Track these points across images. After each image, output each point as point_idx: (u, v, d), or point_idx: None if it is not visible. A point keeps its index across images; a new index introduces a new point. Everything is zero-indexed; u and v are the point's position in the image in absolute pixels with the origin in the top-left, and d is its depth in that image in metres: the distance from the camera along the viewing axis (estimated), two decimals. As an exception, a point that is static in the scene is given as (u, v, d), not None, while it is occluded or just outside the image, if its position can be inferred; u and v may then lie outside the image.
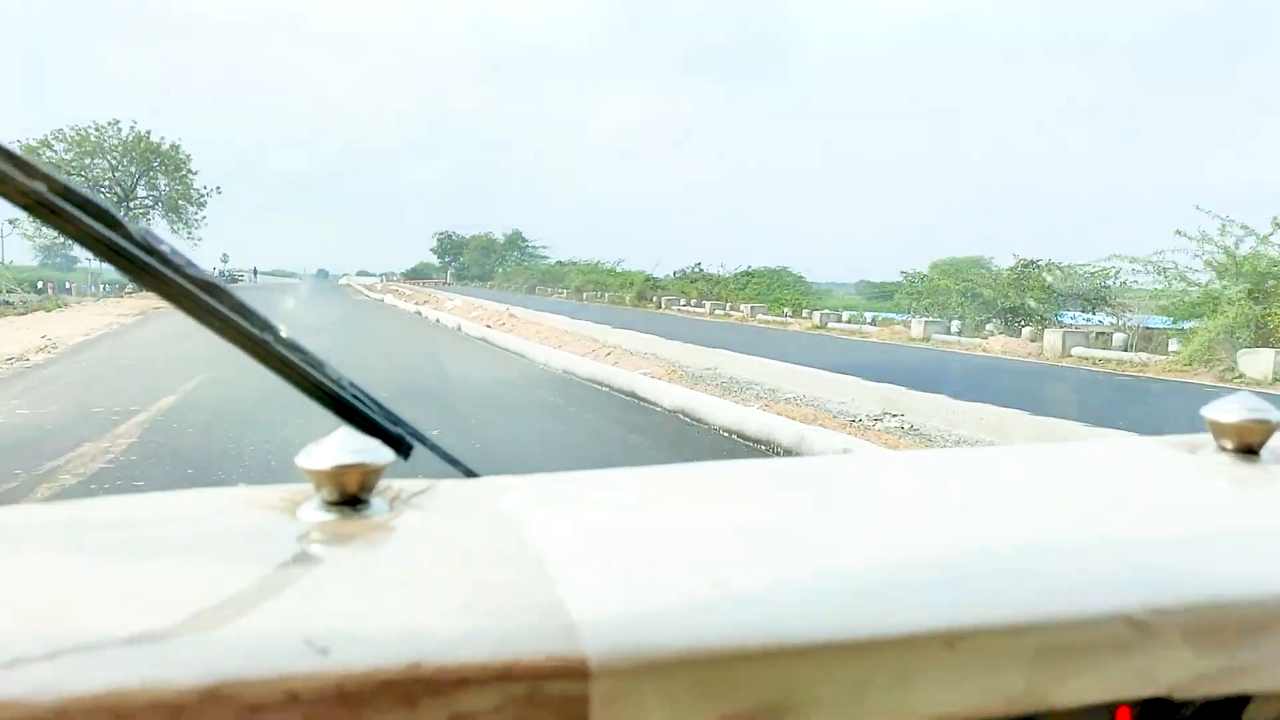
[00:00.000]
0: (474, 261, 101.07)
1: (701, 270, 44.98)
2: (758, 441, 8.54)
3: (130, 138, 56.57)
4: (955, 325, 21.88)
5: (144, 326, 22.36)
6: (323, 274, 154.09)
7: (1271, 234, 17.00)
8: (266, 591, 0.48)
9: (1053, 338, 18.79)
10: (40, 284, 47.28)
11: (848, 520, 0.64)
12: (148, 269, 0.56)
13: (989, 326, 22.07)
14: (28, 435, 8.19)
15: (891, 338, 21.62)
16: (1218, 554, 0.58)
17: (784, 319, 28.87)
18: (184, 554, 0.53)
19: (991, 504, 0.68)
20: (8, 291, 34.95)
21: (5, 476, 6.59)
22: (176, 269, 0.57)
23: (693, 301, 37.91)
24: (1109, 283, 22.36)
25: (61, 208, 0.52)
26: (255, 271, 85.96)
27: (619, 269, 58.43)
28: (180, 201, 59.11)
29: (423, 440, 0.69)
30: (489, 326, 22.29)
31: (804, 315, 30.37)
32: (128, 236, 0.55)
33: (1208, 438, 0.79)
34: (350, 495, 0.58)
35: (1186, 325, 17.81)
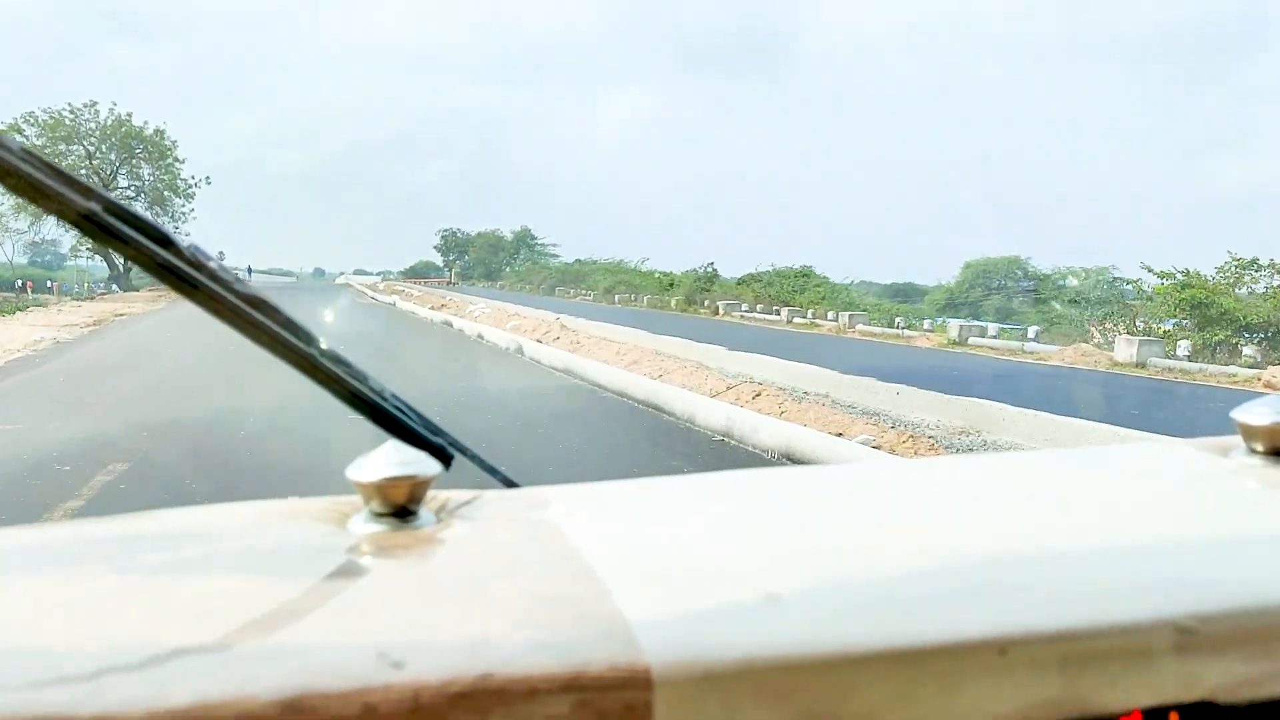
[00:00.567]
0: (480, 260, 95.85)
1: (751, 272, 39.77)
2: None
3: (110, 122, 51.26)
4: (1184, 346, 16.44)
5: (83, 345, 16.83)
6: (319, 272, 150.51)
7: None
8: (331, 604, 0.49)
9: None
10: (20, 282, 42.62)
11: (890, 526, 0.64)
12: (197, 285, 0.58)
13: (1246, 350, 16.63)
14: None
15: (1082, 361, 16.21)
16: (1258, 558, 0.58)
17: (898, 331, 23.50)
18: (244, 567, 0.54)
19: (1029, 509, 0.69)
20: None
21: None
22: (225, 285, 0.59)
23: (759, 306, 32.55)
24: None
25: (116, 227, 0.55)
26: (249, 270, 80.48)
27: (643, 268, 53.37)
28: (166, 193, 53.80)
29: (463, 450, 0.71)
30: (542, 342, 17.08)
31: (895, 325, 25.16)
32: (178, 254, 0.57)
33: (1238, 440, 0.79)
34: (399, 507, 0.59)
35: None
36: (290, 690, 0.40)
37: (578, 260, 63.27)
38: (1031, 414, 8.51)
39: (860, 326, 24.55)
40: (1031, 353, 18.44)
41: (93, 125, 50.93)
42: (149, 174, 53.75)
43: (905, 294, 56.44)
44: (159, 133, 52.60)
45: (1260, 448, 0.76)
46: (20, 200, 0.52)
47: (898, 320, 26.09)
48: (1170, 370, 15.11)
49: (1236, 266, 18.73)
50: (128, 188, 52.88)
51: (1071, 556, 0.58)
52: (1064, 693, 0.48)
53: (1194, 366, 15.32)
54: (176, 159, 54.01)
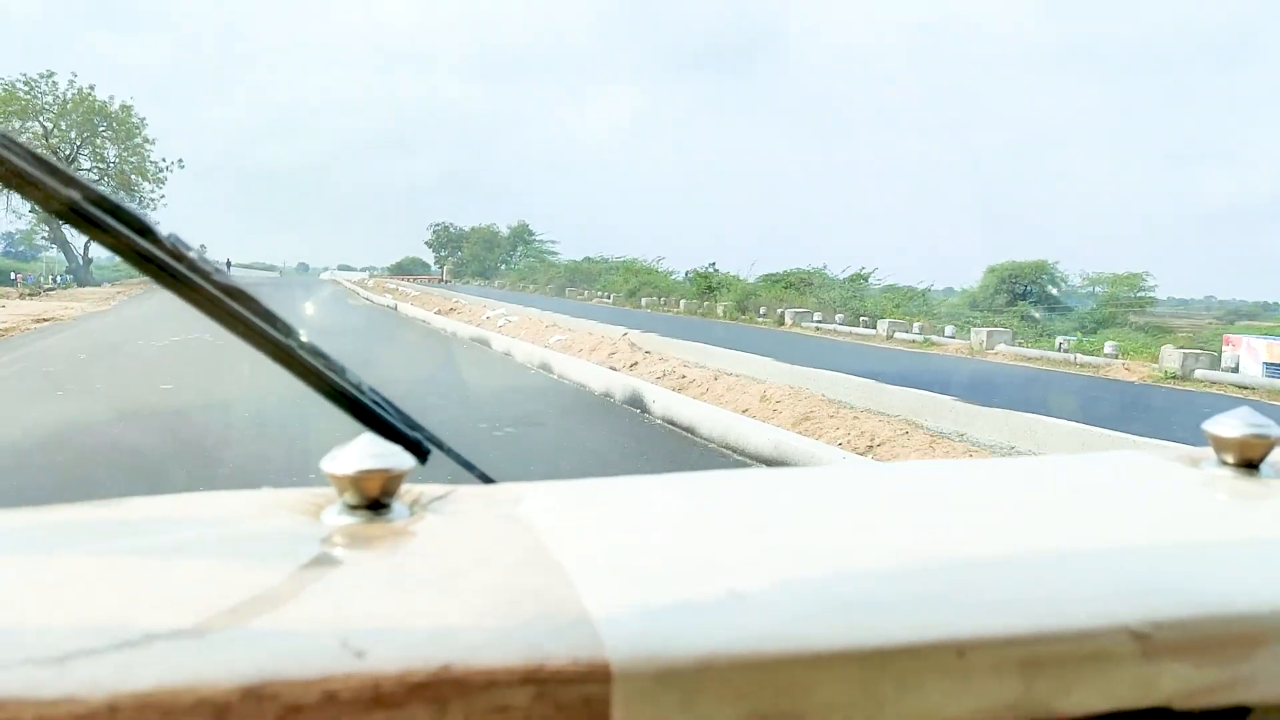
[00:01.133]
0: (474, 256, 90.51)
1: (802, 272, 34.76)
2: None
3: (70, 96, 45.71)
4: None
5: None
6: (303, 267, 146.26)
7: None
8: (299, 593, 0.50)
9: None
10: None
11: (857, 528, 0.65)
12: (176, 275, 0.58)
13: None
14: None
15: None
16: (1218, 567, 0.59)
17: (1067, 356, 18.24)
18: (217, 555, 0.54)
19: (996, 515, 0.70)
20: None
21: None
22: (204, 275, 0.59)
23: (837, 317, 27.46)
24: None
25: (96, 216, 0.55)
26: (228, 264, 74.61)
27: (658, 267, 48.29)
28: (134, 176, 48.26)
29: (440, 445, 0.71)
30: (652, 381, 11.76)
31: (1059, 346, 20.10)
32: (158, 244, 0.57)
33: (1209, 451, 0.80)
34: (372, 499, 0.60)
35: None
36: (251, 676, 0.40)
37: (587, 258, 57.71)
38: None
39: (1003, 347, 19.18)
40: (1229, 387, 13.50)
41: (50, 100, 45.40)
42: (114, 155, 48.21)
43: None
44: (125, 109, 47.12)
45: (1231, 459, 0.78)
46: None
47: (1061, 341, 20.02)
48: None
49: None
50: (90, 170, 47.35)
51: (1033, 561, 0.59)
52: (1021, 696, 0.49)
53: None
54: (146, 139, 48.59)
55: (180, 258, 0.58)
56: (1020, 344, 19.89)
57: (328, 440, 0.61)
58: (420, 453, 0.67)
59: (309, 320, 21.65)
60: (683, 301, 36.28)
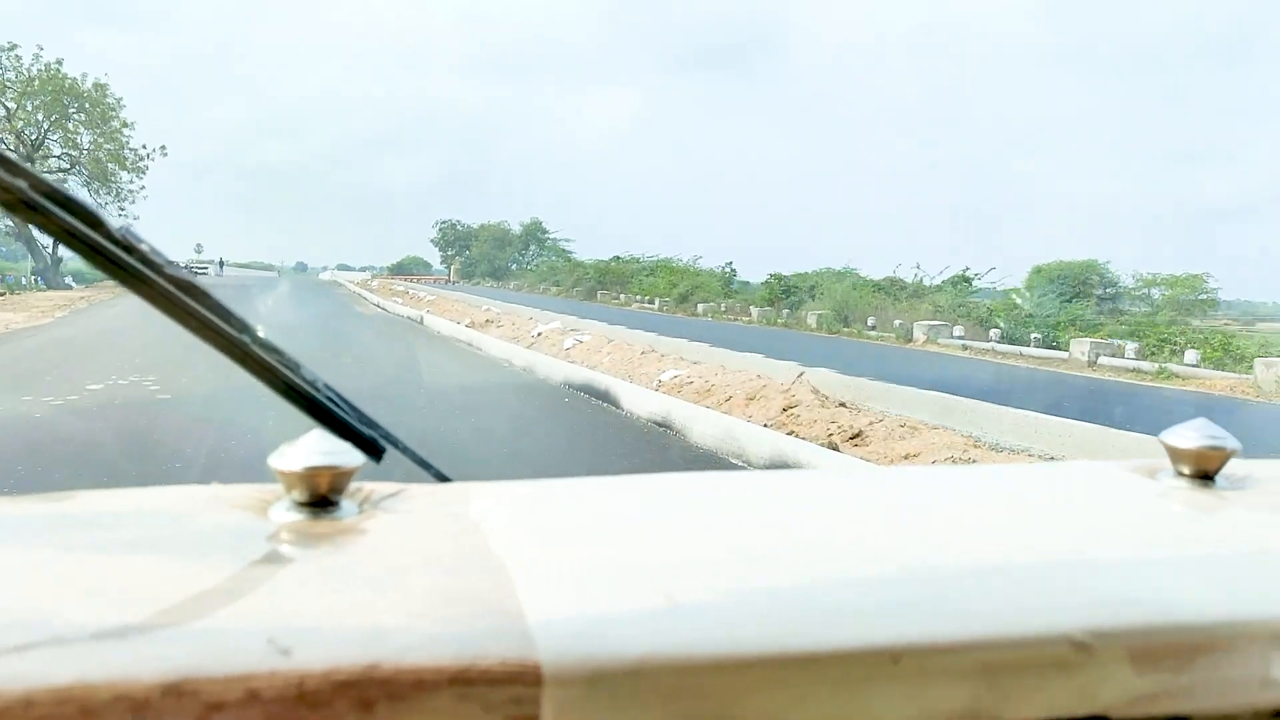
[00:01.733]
0: (484, 255, 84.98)
1: (901, 279, 29.29)
2: None
3: (38, 73, 40.16)
4: None
5: None
6: (301, 267, 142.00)
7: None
8: (232, 590, 0.49)
9: None
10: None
11: (801, 535, 0.65)
12: (127, 268, 0.57)
13: None
14: None
15: None
16: (1161, 577, 0.59)
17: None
18: (154, 551, 0.54)
19: (945, 524, 0.69)
20: None
21: None
22: (156, 269, 0.58)
23: (993, 333, 21.83)
24: None
25: (44, 206, 0.53)
26: (221, 263, 68.52)
27: (694, 267, 42.80)
28: (110, 165, 42.70)
29: (396, 444, 0.71)
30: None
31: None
32: (108, 235, 0.56)
33: (1166, 463, 0.80)
34: (320, 496, 0.59)
35: None
36: (172, 673, 0.40)
37: (616, 258, 51.94)
38: None
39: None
40: None
41: (12, 76, 39.86)
42: (88, 141, 42.65)
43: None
44: (99, 87, 41.53)
45: (1187, 470, 0.78)
46: None
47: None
48: None
49: None
50: (61, 157, 41.83)
51: (976, 570, 0.59)
52: (959, 704, 0.49)
53: None
54: (124, 123, 43.00)
55: (131, 250, 0.56)
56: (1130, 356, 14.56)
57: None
58: (375, 451, 0.66)
59: (323, 350, 14.88)
60: (754, 309, 30.76)
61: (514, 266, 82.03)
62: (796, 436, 7.58)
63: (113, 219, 0.56)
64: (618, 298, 43.31)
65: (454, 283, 71.60)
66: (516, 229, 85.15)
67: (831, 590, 0.54)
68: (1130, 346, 18.18)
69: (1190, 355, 17.25)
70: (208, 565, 0.51)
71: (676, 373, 11.49)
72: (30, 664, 0.40)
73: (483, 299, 32.13)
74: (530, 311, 24.35)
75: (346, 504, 0.60)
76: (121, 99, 42.25)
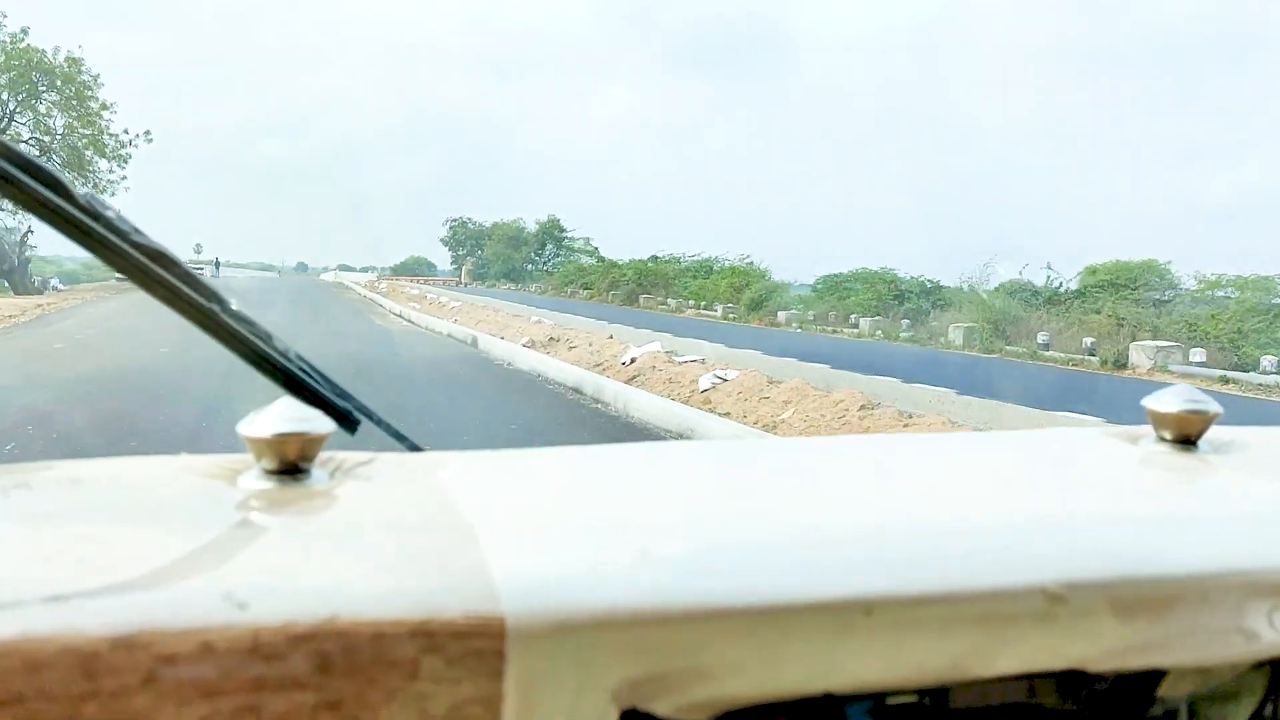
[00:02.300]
0: (498, 255, 79.69)
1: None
2: None
3: (3, 45, 34.92)
4: None
5: None
6: (302, 267, 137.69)
7: None
8: (191, 550, 0.49)
9: None
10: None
11: (779, 497, 0.65)
12: (92, 234, 0.55)
13: None
14: None
15: None
16: (1138, 533, 0.59)
17: None
18: (119, 518, 0.53)
19: (925, 485, 0.69)
20: None
21: None
22: (123, 235, 0.57)
23: (1266, 362, 16.39)
24: None
25: (5, 170, 0.52)
26: (217, 264, 63.46)
27: (747, 267, 37.61)
28: (87, 151, 37.43)
29: (369, 415, 0.70)
30: None
31: None
32: (73, 201, 0.55)
33: (1149, 429, 0.80)
34: (290, 464, 0.58)
35: None
36: (123, 626, 0.40)
37: (654, 257, 46.67)
38: None
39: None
40: None
41: (-28, 47, 34.65)
42: (61, 124, 37.38)
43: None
44: (72, 61, 36.21)
45: (1168, 435, 0.77)
46: None
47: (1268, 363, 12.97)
48: None
49: None
50: (30, 141, 36.50)
51: (954, 527, 0.58)
52: (935, 657, 0.48)
53: None
54: (103, 105, 37.73)
55: (97, 216, 0.55)
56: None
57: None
58: (349, 422, 0.65)
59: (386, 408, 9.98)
60: (862, 320, 25.47)
61: (530, 268, 76.84)
62: None
63: (78, 187, 0.55)
64: (665, 302, 38.07)
65: (466, 284, 66.91)
66: (532, 227, 79.87)
67: (804, 546, 0.53)
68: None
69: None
70: (168, 528, 0.51)
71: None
72: None
73: (513, 304, 27.20)
74: (581, 322, 19.15)
75: (317, 472, 0.59)
76: (99, 75, 36.97)
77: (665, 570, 0.48)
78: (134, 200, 39.05)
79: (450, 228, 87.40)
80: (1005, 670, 0.49)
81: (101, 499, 0.56)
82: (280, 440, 0.56)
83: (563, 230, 77.09)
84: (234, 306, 0.62)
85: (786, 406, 8.95)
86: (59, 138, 37.23)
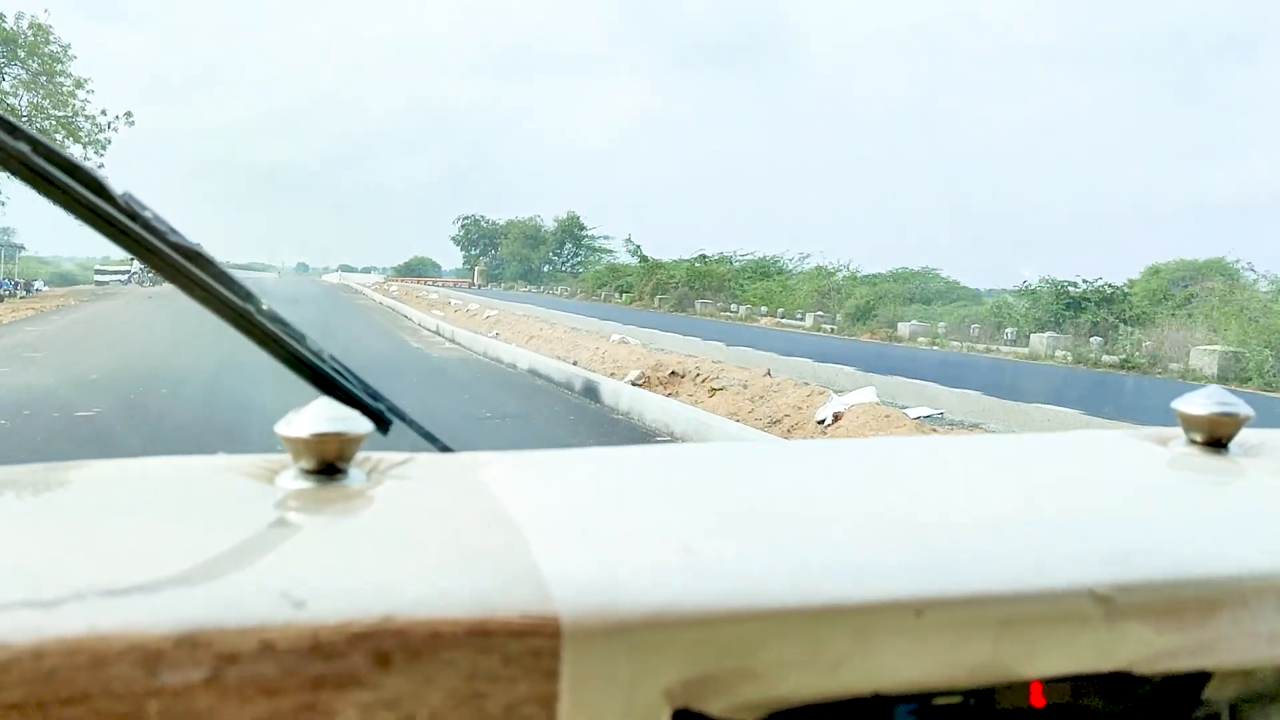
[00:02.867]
0: (514, 255, 74.59)
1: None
2: None
3: (-44, 11, 29.78)
4: None
5: None
6: (303, 267, 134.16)
7: None
8: (244, 549, 0.49)
9: None
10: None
11: (823, 498, 0.65)
12: (130, 235, 0.56)
13: None
14: None
15: None
16: (1179, 535, 0.59)
17: None
18: (164, 515, 0.54)
19: (964, 487, 0.70)
20: None
21: None
22: (160, 235, 0.57)
23: None
24: None
25: (47, 171, 0.52)
26: (213, 264, 58.54)
27: (804, 268, 32.55)
28: (58, 135, 32.18)
29: (401, 416, 0.70)
30: None
31: None
32: (112, 201, 0.55)
33: (1179, 431, 0.80)
34: (328, 464, 0.58)
35: None
36: (186, 624, 0.40)
37: (701, 256, 41.33)
38: None
39: None
40: None
41: (-81, 12, 29.52)
42: (27, 104, 32.21)
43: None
44: (38, 29, 31.07)
45: (1199, 438, 0.77)
46: None
47: None
48: None
49: None
50: (-10, 125, 31.21)
51: (998, 528, 0.58)
52: (982, 658, 0.48)
53: None
54: (78, 82, 32.62)
55: (135, 217, 0.56)
56: None
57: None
58: (382, 423, 0.66)
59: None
60: (1037, 337, 20.28)
61: (547, 268, 71.74)
62: None
63: (112, 185, 0.55)
64: (729, 309, 32.85)
65: (479, 286, 61.88)
66: (550, 225, 74.74)
67: (853, 549, 0.54)
68: None
69: None
70: (217, 526, 0.51)
71: None
72: (40, 616, 0.39)
73: (552, 310, 22.69)
74: (665, 339, 14.32)
75: (354, 472, 0.59)
76: (69, 46, 31.83)
77: (714, 571, 0.48)
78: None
79: (462, 226, 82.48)
80: (1053, 671, 0.49)
81: (146, 498, 0.56)
82: (319, 440, 0.56)
83: (583, 228, 72.06)
84: (267, 307, 0.62)
85: None
86: (25, 120, 32.08)
